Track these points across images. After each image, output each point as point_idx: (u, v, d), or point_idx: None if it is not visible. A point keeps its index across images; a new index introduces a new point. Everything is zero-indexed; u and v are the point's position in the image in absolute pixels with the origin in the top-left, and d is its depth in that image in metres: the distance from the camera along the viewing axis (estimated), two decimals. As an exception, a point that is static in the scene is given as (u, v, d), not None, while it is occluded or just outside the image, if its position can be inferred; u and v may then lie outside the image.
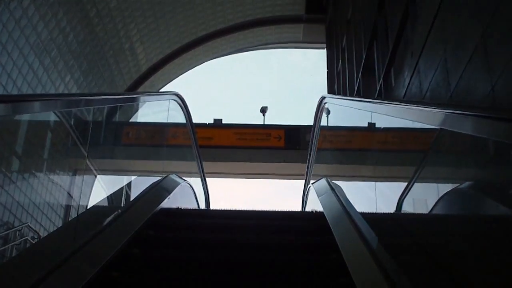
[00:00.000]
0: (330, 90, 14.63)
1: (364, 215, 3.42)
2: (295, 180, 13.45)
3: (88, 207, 3.38)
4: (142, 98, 4.80)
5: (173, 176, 5.76)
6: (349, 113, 4.95)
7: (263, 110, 15.28)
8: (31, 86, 10.84)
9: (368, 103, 3.14)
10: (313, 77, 39.25)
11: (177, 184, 5.61)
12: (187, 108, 6.61)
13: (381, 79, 6.23)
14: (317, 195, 5.08)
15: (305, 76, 39.10)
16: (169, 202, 4.97)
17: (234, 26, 16.22)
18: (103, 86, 14.01)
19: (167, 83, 17.88)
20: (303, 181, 13.28)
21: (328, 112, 6.23)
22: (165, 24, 14.85)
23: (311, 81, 39.78)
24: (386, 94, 5.87)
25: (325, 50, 16.26)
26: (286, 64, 37.19)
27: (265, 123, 14.59)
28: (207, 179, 13.79)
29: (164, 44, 15.75)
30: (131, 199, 4.54)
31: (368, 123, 3.93)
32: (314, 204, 5.52)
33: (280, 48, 19.31)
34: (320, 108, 6.21)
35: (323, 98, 5.92)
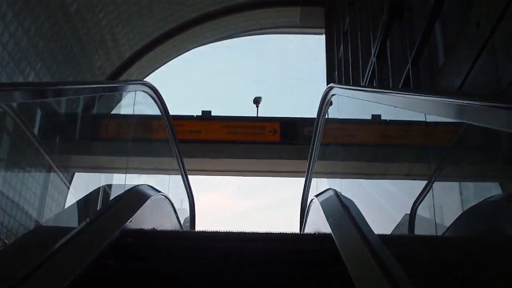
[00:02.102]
0: (330, 79, 13.46)
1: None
2: (291, 178, 12.37)
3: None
4: (91, 90, 3.58)
5: (142, 188, 4.59)
6: (355, 104, 3.96)
7: (257, 101, 14.15)
8: (-6, 74, 9.59)
9: (419, 98, 1.97)
10: (311, 65, 37.79)
11: (146, 198, 4.42)
12: (162, 100, 5.43)
13: (409, 64, 4.98)
14: (325, 216, 3.92)
15: (302, 64, 37.62)
16: (133, 225, 3.81)
17: (225, 8, 14.92)
18: (80, 75, 12.74)
19: (154, 71, 16.62)
20: (297, 178, 12.16)
21: (330, 104, 5.18)
22: (148, 7, 13.55)
23: (309, 70, 38.32)
24: (417, 84, 4.63)
25: (324, 35, 15.06)
26: (282, 51, 35.71)
27: (259, 115, 13.44)
28: (195, 176, 12.60)
29: (149, 28, 14.45)
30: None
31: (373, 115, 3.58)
32: (320, 225, 4.38)
33: (275, 33, 18.04)
34: (326, 101, 5.04)
35: (330, 88, 4.74)
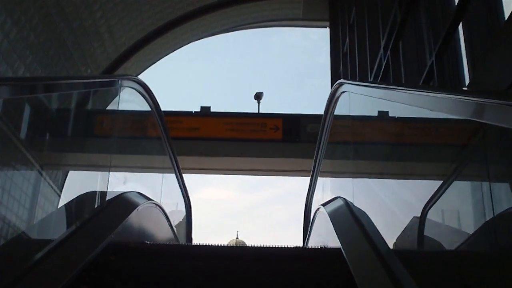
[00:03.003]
0: (334, 74, 12.93)
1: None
2: (294, 177, 11.89)
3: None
4: (65, 86, 3.08)
5: (129, 196, 4.10)
6: (364, 100, 3.59)
7: (258, 96, 13.64)
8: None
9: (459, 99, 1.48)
10: (315, 59, 37.16)
11: (133, 207, 3.92)
12: (153, 97, 4.93)
13: (433, 57, 4.44)
14: (336, 232, 3.43)
15: (305, 59, 36.99)
16: (116, 242, 3.31)
17: (226, 0, 14.37)
18: (73, 68, 12.23)
19: (152, 64, 16.09)
20: (300, 177, 11.63)
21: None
22: (145, -2, 13.02)
23: (312, 64, 37.70)
24: (443, 81, 4.09)
25: (328, 28, 14.52)
26: (284, 45, 35.11)
27: (260, 111, 12.92)
28: (193, 175, 12.05)
29: (146, 20, 13.92)
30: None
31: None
32: (328, 239, 3.90)
33: (277, 26, 17.49)
34: (335, 99, 4.53)
35: (340, 84, 4.23)
